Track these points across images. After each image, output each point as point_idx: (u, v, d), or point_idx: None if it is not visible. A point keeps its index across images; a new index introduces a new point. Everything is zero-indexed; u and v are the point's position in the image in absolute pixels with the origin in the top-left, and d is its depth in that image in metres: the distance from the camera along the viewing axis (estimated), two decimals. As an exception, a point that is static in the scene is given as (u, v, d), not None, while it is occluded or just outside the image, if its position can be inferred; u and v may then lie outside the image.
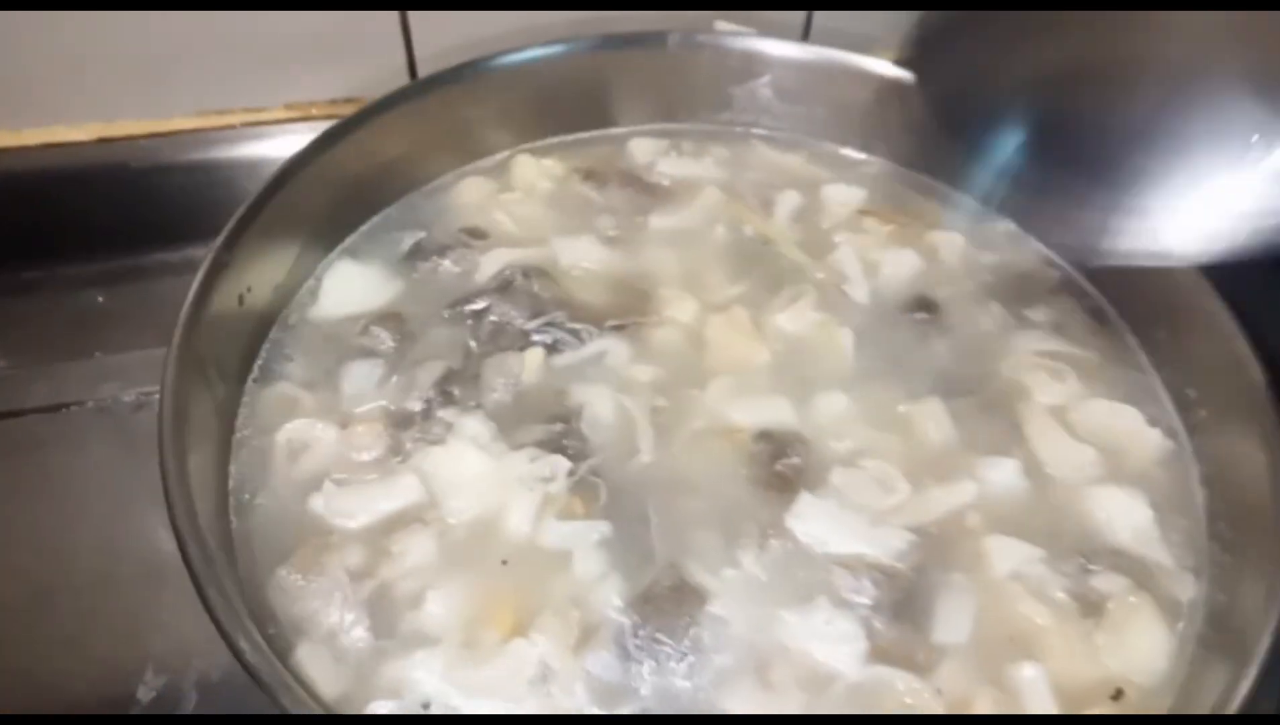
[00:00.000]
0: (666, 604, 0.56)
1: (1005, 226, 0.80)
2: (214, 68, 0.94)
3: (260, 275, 0.66)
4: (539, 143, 0.84)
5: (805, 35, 0.95)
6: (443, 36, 0.89)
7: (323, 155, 0.69)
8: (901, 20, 0.96)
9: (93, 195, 0.91)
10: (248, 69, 0.94)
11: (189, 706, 0.63)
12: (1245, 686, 0.49)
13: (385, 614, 0.56)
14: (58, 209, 0.91)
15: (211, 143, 1.00)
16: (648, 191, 0.81)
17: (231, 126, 1.00)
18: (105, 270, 0.92)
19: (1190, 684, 0.55)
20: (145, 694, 0.64)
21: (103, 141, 0.92)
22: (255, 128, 1.00)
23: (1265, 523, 0.56)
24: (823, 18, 0.98)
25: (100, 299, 0.91)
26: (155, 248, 0.98)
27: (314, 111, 0.99)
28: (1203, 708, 0.50)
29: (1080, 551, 0.61)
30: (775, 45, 0.81)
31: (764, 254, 0.78)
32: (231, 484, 0.61)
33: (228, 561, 0.56)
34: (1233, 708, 0.48)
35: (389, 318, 0.70)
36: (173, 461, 0.54)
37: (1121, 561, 0.60)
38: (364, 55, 0.92)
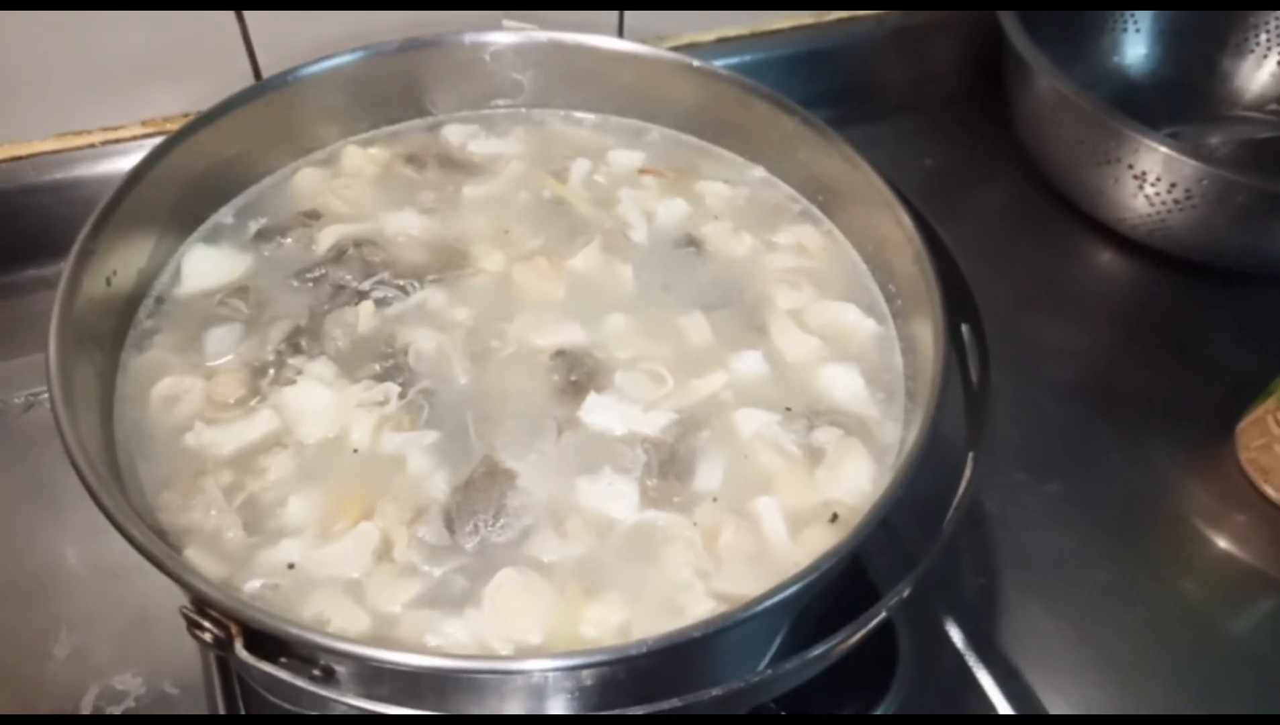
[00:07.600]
0: (483, 484, 0.71)
1: (758, 172, 0.98)
2: (70, 93, 1.03)
3: (123, 261, 0.77)
4: (364, 135, 0.97)
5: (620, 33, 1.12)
6: (282, 47, 1.00)
7: (169, 155, 0.80)
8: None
9: (-37, 220, 0.99)
10: (103, 92, 1.04)
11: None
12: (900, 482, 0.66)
13: (255, 517, 0.69)
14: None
15: (73, 162, 1.10)
16: (461, 168, 0.95)
17: (91, 146, 1.09)
18: (-21, 289, 1.01)
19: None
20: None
21: (-34, 168, 1.00)
22: (113, 145, 1.10)
23: (928, 374, 0.74)
24: (634, 17, 1.15)
25: (-23, 316, 1.00)
26: (27, 264, 1.08)
27: (168, 126, 1.08)
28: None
29: (807, 414, 0.78)
30: (551, 37, 0.95)
31: (560, 211, 0.93)
32: (116, 436, 0.73)
33: (120, 491, 0.68)
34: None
35: (242, 290, 0.83)
36: (65, 415, 0.65)
37: (839, 418, 0.78)
38: (211, 70, 1.03)
